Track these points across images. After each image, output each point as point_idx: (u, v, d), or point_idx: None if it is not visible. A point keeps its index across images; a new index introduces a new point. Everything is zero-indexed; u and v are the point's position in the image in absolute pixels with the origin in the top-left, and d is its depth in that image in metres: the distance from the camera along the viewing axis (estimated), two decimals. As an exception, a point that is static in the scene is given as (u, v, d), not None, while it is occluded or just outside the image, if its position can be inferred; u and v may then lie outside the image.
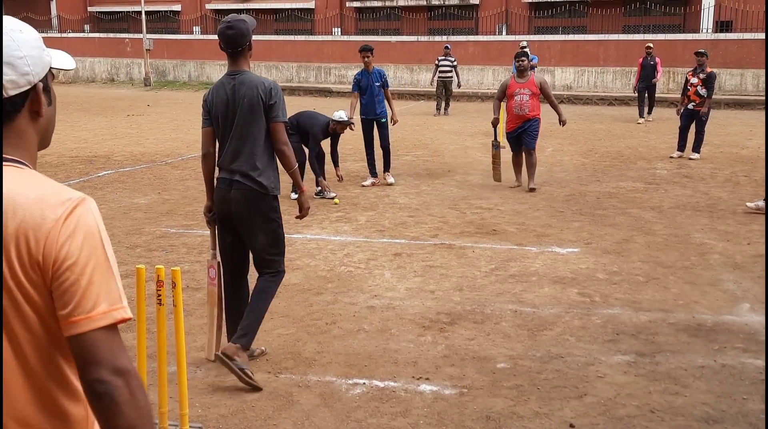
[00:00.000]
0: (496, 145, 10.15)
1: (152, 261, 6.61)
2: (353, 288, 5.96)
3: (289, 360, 4.60)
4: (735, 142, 14.62)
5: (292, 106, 27.51)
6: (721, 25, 25.18)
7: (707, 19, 25.18)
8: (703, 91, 12.35)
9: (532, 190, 9.72)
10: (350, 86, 11.10)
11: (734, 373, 4.42)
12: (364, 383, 4.24)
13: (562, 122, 10.16)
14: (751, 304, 5.60)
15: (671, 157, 12.70)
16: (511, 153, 10.34)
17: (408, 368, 4.48)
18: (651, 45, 17.95)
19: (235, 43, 4.28)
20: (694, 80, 12.45)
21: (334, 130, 9.46)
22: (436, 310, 5.45)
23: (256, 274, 4.51)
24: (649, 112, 18.22)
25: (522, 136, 9.91)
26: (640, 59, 17.89)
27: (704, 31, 24.98)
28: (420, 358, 4.61)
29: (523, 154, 10.07)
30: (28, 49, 1.50)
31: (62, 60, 1.62)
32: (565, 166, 12.00)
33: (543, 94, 9.87)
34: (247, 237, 4.44)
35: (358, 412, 3.95)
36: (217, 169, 4.54)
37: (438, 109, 20.58)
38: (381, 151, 10.35)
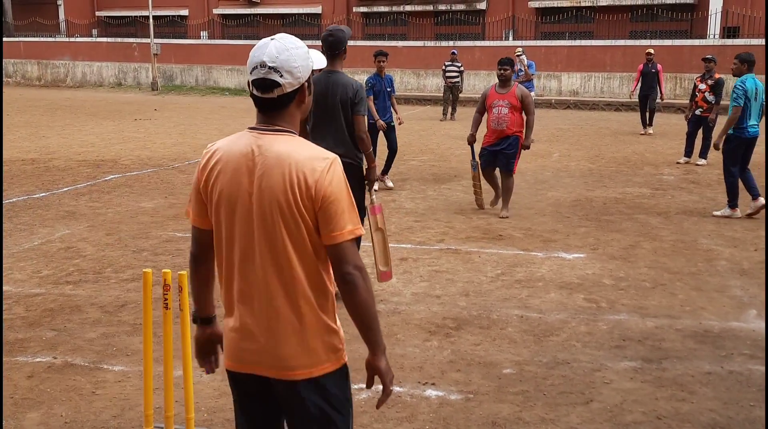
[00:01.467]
0: (474, 166, 8.96)
1: (159, 265, 6.63)
2: (359, 293, 5.95)
3: (295, 364, 4.59)
4: (742, 148, 14.56)
5: (299, 110, 27.35)
6: (728, 31, 25.13)
7: (714, 24, 25.14)
8: (711, 98, 12.33)
9: (503, 217, 8.51)
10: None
11: (741, 380, 4.40)
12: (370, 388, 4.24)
13: (525, 146, 8.60)
14: (758, 311, 5.58)
15: (678, 163, 12.68)
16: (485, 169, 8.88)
17: (414, 373, 4.47)
18: (652, 51, 16.65)
19: (333, 48, 5.50)
20: (702, 86, 12.44)
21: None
22: (442, 315, 5.45)
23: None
24: (650, 124, 16.84)
25: (498, 156, 8.62)
26: (640, 66, 16.69)
27: (711, 36, 24.93)
28: (426, 363, 4.61)
29: (500, 175, 8.83)
30: (300, 61, 2.26)
31: (319, 61, 2.77)
32: (572, 171, 11.98)
33: (524, 109, 8.48)
34: None
35: (363, 417, 3.94)
36: None
37: (444, 113, 20.59)
38: (386, 154, 10.39)
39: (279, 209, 2.19)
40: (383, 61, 10.18)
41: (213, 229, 2.33)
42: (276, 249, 2.22)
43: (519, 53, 16.12)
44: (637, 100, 17.14)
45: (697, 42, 24.15)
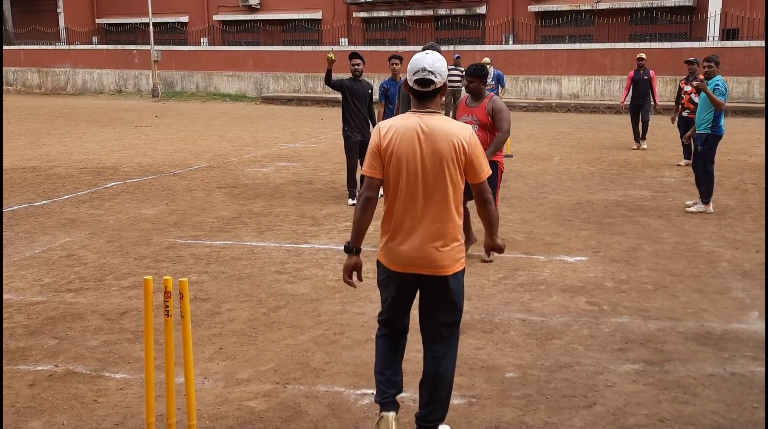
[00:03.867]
0: None
1: (160, 272, 6.63)
2: (362, 298, 5.95)
3: (297, 370, 4.59)
4: (743, 150, 14.58)
5: (300, 115, 27.32)
6: (728, 33, 25.16)
7: (714, 27, 25.16)
8: (697, 99, 12.24)
9: (485, 261, 6.95)
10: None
11: (744, 382, 4.39)
12: (372, 393, 4.23)
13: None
14: (760, 312, 5.57)
15: (678, 165, 12.68)
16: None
17: (416, 378, 4.44)
18: (644, 56, 15.00)
19: None
20: (687, 88, 12.40)
21: None
22: (443, 320, 5.43)
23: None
24: (643, 138, 15.03)
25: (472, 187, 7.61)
26: (631, 73, 15.05)
27: (711, 39, 24.96)
28: (428, 367, 4.59)
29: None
30: (444, 68, 3.46)
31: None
32: (573, 174, 11.98)
33: (494, 125, 6.93)
34: None
35: (366, 422, 3.94)
36: None
37: (446, 118, 20.50)
38: None
39: (445, 162, 3.40)
40: (397, 64, 9.98)
41: (384, 178, 3.48)
42: (439, 189, 3.42)
43: (487, 64, 14.67)
44: (628, 111, 15.38)
45: (696, 44, 24.17)
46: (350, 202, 9.68)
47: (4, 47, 34.35)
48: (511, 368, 4.60)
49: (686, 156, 12.73)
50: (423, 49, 6.88)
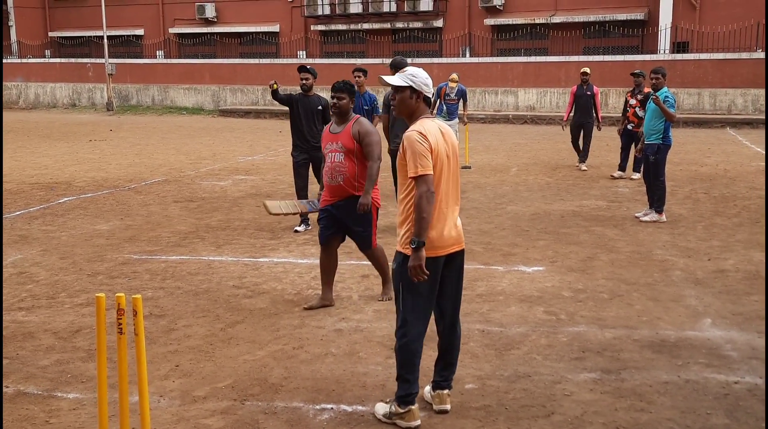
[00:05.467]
0: (310, 205, 6.88)
1: (114, 288, 6.52)
2: (320, 311, 5.92)
3: (255, 386, 4.54)
4: (694, 160, 14.91)
5: (258, 128, 27.03)
6: (678, 46, 25.74)
7: (664, 40, 25.73)
8: (641, 113, 12.34)
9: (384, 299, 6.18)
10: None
11: (698, 389, 4.47)
12: (332, 408, 4.21)
13: (361, 206, 5.78)
14: (713, 320, 5.68)
15: (612, 177, 12.76)
16: (322, 249, 6.10)
17: (376, 391, 4.45)
18: (587, 71, 13.70)
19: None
20: (632, 101, 12.60)
21: None
22: (403, 332, 5.42)
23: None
24: (583, 159, 13.86)
25: (346, 227, 6.01)
26: (573, 88, 13.88)
27: (662, 51, 25.52)
28: (389, 380, 4.58)
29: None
30: (428, 81, 4.08)
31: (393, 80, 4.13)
32: (530, 185, 12.11)
33: (364, 152, 5.84)
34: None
35: (325, 437, 3.91)
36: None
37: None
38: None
39: (456, 155, 4.08)
40: (360, 77, 9.78)
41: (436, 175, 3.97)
42: (457, 183, 4.10)
43: (454, 80, 13.45)
44: (569, 130, 13.96)
45: (648, 57, 24.67)
46: (298, 228, 8.76)
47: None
48: (470, 379, 4.61)
49: (620, 168, 12.87)
50: (391, 63, 7.53)
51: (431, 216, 3.87)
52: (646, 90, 12.51)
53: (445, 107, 13.42)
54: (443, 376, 4.24)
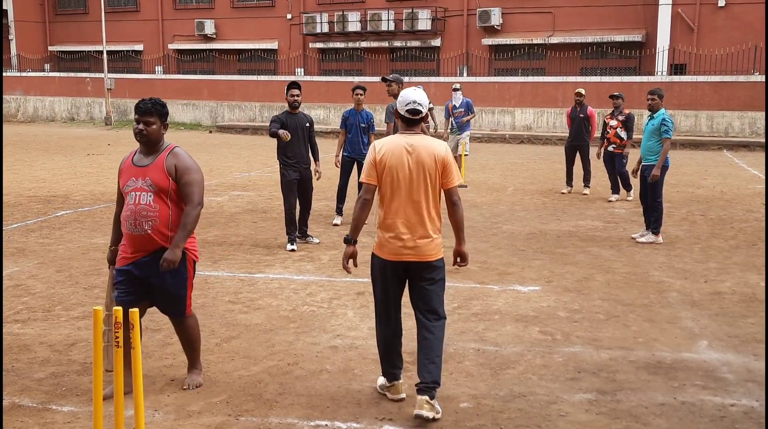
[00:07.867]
0: (114, 298, 4.84)
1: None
2: (316, 328, 5.92)
3: (250, 402, 4.53)
4: (690, 182, 14.96)
5: (255, 144, 27.00)
6: (676, 68, 25.92)
7: (662, 61, 25.91)
8: (623, 134, 12.42)
9: (187, 387, 4.78)
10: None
11: (694, 411, 4.47)
12: (326, 425, 4.20)
13: (165, 262, 4.41)
14: (709, 342, 5.69)
15: (609, 201, 12.63)
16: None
17: (371, 409, 4.44)
18: (582, 92, 13.53)
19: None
20: (613, 122, 12.57)
21: None
22: (399, 350, 5.41)
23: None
24: (586, 183, 13.42)
25: (151, 288, 4.63)
26: (568, 110, 13.77)
27: (659, 73, 25.69)
28: (383, 398, 4.58)
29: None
30: (426, 101, 4.43)
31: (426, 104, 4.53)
32: (526, 204, 12.14)
33: (182, 192, 4.55)
34: None
35: (320, 454, 3.89)
36: None
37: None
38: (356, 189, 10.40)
39: (427, 171, 4.32)
40: (361, 94, 10.06)
41: (380, 185, 4.35)
42: (420, 193, 4.33)
43: (456, 88, 14.21)
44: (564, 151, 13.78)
45: (645, 78, 24.84)
46: (289, 247, 8.71)
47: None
48: (465, 398, 4.60)
49: (625, 187, 12.78)
50: (384, 79, 8.17)
51: (360, 219, 4.45)
52: (626, 111, 12.55)
53: (454, 122, 13.85)
54: (422, 377, 4.33)
